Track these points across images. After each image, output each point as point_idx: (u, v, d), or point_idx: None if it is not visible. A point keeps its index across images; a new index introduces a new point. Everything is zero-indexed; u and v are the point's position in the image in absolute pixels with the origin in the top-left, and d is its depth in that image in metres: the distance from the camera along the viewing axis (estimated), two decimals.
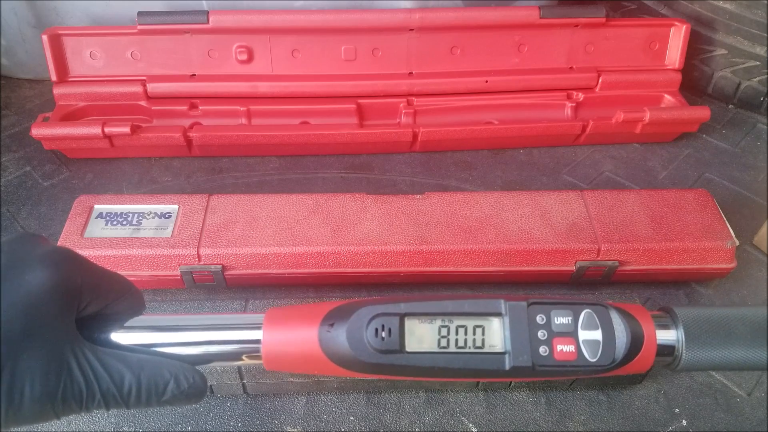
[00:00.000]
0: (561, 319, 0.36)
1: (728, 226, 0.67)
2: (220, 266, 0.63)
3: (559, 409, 0.59)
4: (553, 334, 0.36)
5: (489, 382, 0.59)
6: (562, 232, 0.66)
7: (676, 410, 0.59)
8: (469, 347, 0.36)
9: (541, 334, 0.36)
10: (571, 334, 0.36)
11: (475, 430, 0.57)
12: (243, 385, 0.58)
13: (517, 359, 0.35)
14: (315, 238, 0.64)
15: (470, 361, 0.35)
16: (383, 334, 0.35)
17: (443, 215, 0.67)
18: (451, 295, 0.37)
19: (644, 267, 0.66)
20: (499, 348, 0.36)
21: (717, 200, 0.70)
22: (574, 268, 0.65)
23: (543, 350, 0.36)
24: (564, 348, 0.36)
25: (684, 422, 0.58)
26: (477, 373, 0.36)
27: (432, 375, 0.36)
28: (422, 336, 0.36)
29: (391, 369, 0.35)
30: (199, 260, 0.63)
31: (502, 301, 0.36)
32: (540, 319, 0.36)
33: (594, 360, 0.36)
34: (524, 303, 0.36)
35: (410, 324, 0.36)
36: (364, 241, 0.64)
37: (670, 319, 0.38)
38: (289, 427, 0.57)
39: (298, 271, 0.65)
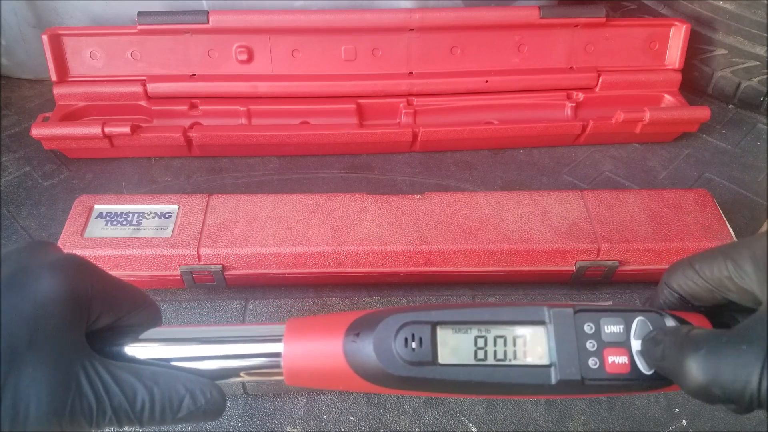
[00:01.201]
0: (612, 328, 0.33)
1: (728, 226, 0.67)
2: (220, 266, 0.63)
3: (559, 409, 0.59)
4: (604, 345, 0.32)
5: None
6: (562, 232, 0.66)
7: (676, 410, 0.59)
8: (510, 359, 0.32)
9: (590, 345, 0.32)
10: (623, 344, 0.33)
11: (475, 430, 0.57)
12: (243, 385, 0.58)
13: (564, 372, 0.32)
14: (315, 238, 0.64)
15: (511, 375, 0.32)
16: (413, 345, 0.32)
17: (443, 215, 0.67)
18: (487, 303, 0.34)
19: (644, 267, 0.66)
20: (543, 360, 0.32)
21: (717, 200, 0.70)
22: (574, 268, 0.65)
23: (593, 362, 0.32)
24: (616, 359, 0.32)
25: (684, 422, 0.58)
26: (519, 388, 0.33)
27: (468, 391, 0.33)
28: (456, 347, 0.33)
29: (422, 383, 0.32)
30: (199, 260, 0.63)
31: (546, 308, 0.33)
32: (588, 327, 0.33)
33: (650, 373, 0.32)
34: (570, 310, 0.33)
35: (443, 333, 0.33)
36: (364, 241, 0.64)
37: None
38: (289, 427, 0.57)
39: (298, 271, 0.65)
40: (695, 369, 0.28)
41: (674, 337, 0.30)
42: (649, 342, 0.32)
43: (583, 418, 0.58)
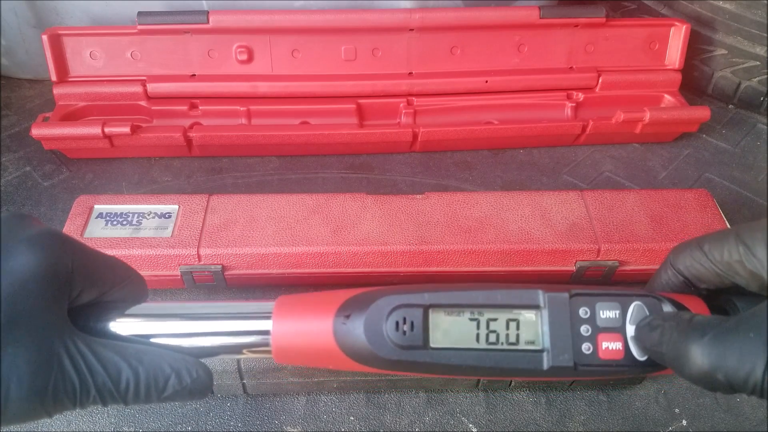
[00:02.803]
0: (607, 313, 0.32)
1: (728, 226, 0.67)
2: (220, 266, 0.63)
3: (559, 409, 0.59)
4: (598, 330, 0.32)
5: (489, 381, 0.59)
6: (562, 232, 0.66)
7: (676, 410, 0.59)
8: (502, 343, 0.32)
9: (585, 330, 0.32)
10: (618, 329, 0.32)
11: (475, 430, 0.57)
12: (243, 385, 0.58)
13: (557, 358, 0.31)
14: (315, 238, 0.64)
15: (503, 360, 0.32)
16: (405, 328, 0.32)
17: (443, 215, 0.67)
18: (481, 285, 0.34)
19: (644, 267, 0.66)
20: (536, 345, 0.32)
21: (717, 200, 0.70)
22: (574, 268, 0.65)
23: (586, 348, 0.32)
24: (610, 345, 0.32)
25: (684, 422, 0.58)
26: (510, 372, 0.32)
27: (459, 373, 0.32)
28: (448, 330, 0.32)
29: (413, 366, 0.32)
30: (199, 260, 0.63)
31: (540, 292, 0.33)
32: (583, 312, 0.32)
33: (643, 359, 0.32)
34: (566, 294, 0.33)
35: (435, 317, 0.32)
36: (364, 241, 0.64)
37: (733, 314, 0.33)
38: (289, 427, 0.57)
39: (298, 271, 0.65)
40: (700, 354, 0.27)
41: (675, 322, 0.30)
42: (644, 327, 0.31)
43: (583, 418, 0.58)
